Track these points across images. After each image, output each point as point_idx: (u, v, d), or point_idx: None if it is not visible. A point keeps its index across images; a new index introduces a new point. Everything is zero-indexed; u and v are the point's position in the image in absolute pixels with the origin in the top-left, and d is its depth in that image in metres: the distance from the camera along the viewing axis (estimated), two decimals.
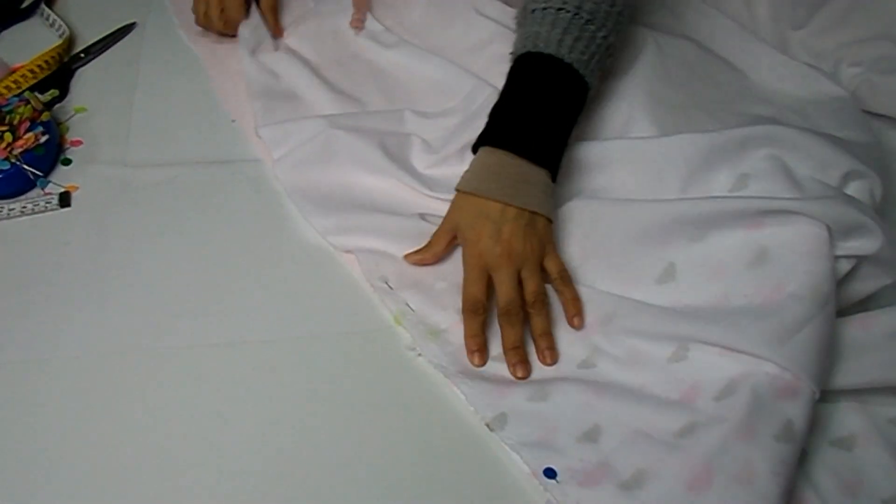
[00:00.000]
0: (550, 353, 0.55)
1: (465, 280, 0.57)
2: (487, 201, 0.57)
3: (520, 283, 0.57)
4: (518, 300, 0.56)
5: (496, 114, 0.60)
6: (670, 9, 0.79)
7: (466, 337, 0.56)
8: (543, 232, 0.58)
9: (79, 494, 0.48)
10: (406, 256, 0.61)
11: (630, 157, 0.63)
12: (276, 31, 0.82)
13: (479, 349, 0.55)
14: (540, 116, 0.58)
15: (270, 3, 0.83)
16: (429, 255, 0.61)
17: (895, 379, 0.51)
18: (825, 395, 0.51)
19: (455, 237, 0.60)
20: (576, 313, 0.57)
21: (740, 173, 0.59)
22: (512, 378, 0.54)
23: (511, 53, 0.62)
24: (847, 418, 0.52)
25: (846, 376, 0.52)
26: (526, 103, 0.59)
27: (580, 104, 0.60)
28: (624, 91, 0.68)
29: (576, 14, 0.59)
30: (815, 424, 0.51)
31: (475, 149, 0.60)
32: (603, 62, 0.62)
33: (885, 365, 0.52)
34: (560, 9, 0.59)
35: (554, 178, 0.59)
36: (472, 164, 0.60)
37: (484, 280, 0.56)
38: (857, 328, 0.53)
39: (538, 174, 0.58)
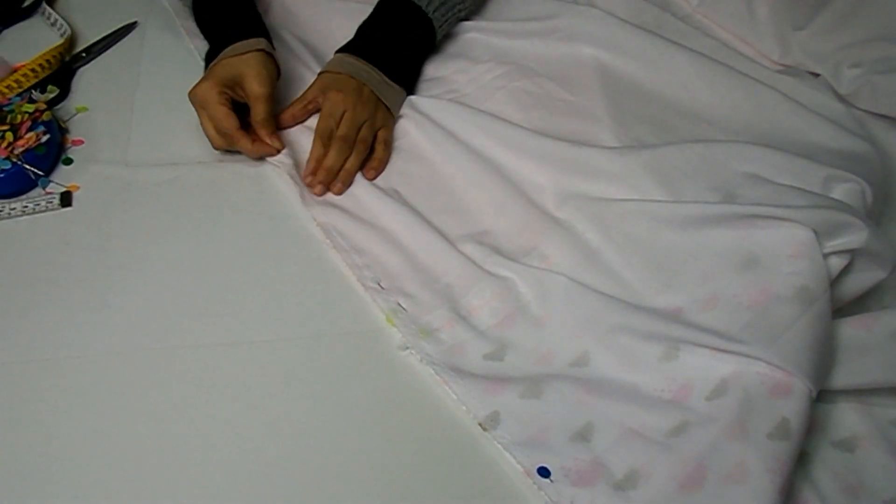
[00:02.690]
0: (341, 187, 0.66)
1: (324, 116, 0.67)
2: (357, 80, 0.68)
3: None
4: (354, 138, 0.66)
5: (364, 34, 0.72)
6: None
7: (312, 160, 0.66)
8: (387, 116, 0.70)
9: (80, 494, 0.48)
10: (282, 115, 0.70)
11: (613, 167, 0.64)
12: (269, 147, 0.67)
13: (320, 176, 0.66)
14: (401, 49, 0.72)
15: (262, 114, 0.66)
16: (298, 108, 0.70)
17: None
18: (827, 396, 0.51)
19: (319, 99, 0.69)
20: (374, 167, 0.67)
21: (726, 190, 0.60)
22: (504, 376, 0.54)
23: None
24: (849, 419, 0.52)
25: (848, 376, 0.52)
26: (390, 34, 0.72)
27: (428, 52, 0.76)
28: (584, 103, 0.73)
29: None
30: (816, 425, 0.51)
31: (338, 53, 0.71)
32: (451, 27, 0.78)
33: (887, 365, 0.52)
34: None
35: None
36: (337, 61, 0.70)
37: (338, 120, 0.66)
38: (859, 328, 0.53)
39: (396, 87, 0.71)
